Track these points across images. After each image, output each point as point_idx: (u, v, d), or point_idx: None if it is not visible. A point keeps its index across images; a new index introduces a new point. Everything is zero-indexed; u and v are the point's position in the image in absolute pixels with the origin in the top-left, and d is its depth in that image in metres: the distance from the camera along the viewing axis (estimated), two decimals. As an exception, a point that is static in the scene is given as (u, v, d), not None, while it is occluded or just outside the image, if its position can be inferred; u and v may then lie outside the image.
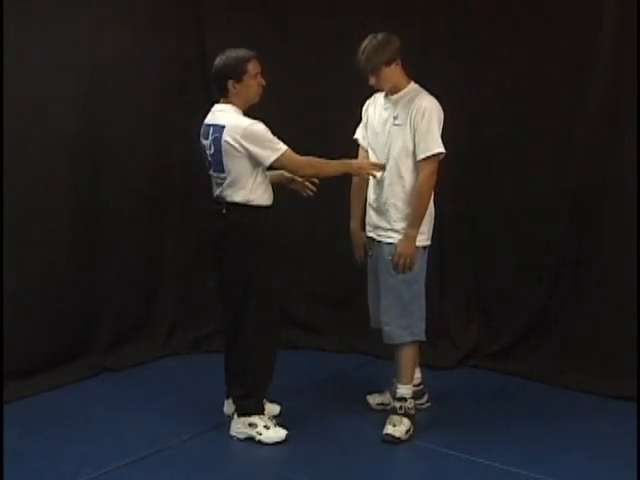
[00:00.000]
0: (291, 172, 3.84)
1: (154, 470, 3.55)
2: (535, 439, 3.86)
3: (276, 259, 3.88)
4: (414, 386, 3.99)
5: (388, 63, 3.71)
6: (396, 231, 3.82)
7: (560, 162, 4.57)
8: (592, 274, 4.52)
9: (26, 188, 4.30)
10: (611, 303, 4.43)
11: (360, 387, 4.40)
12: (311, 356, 5.05)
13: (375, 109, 3.93)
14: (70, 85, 4.49)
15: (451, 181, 4.35)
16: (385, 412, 3.99)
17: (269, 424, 3.81)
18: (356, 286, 4.83)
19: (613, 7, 4.27)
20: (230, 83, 3.67)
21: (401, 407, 3.87)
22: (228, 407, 4.01)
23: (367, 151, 4.00)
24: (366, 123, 4.00)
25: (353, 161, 3.90)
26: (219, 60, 3.71)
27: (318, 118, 4.91)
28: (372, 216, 3.96)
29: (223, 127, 3.63)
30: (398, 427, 3.81)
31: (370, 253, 4.04)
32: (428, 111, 3.71)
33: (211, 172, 3.78)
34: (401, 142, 3.77)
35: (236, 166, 3.65)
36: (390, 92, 3.84)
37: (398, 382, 3.92)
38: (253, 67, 3.70)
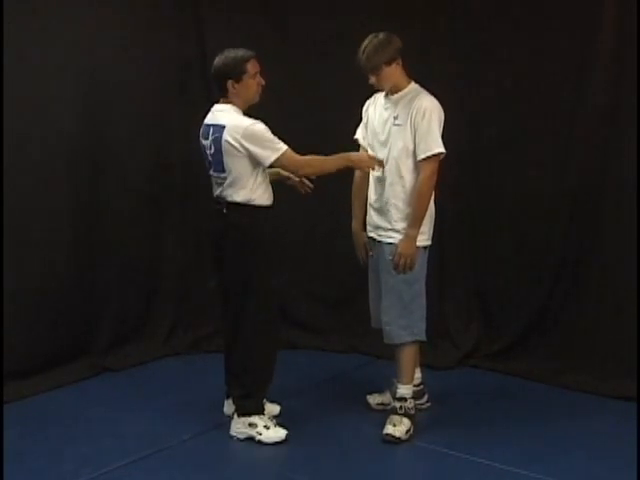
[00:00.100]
0: (291, 172, 3.84)
1: (154, 470, 3.55)
2: (535, 439, 3.86)
3: (276, 259, 3.88)
4: (414, 386, 3.99)
5: (389, 63, 3.71)
6: (397, 231, 3.82)
7: (560, 162, 4.57)
8: (592, 274, 4.52)
9: (26, 188, 4.30)
10: (611, 303, 4.43)
11: (360, 387, 4.40)
12: (311, 356, 5.05)
13: (375, 109, 3.93)
14: (70, 85, 4.50)
15: (451, 181, 4.35)
16: (385, 412, 3.99)
17: (269, 424, 3.82)
18: (356, 286, 4.84)
19: (613, 7, 4.27)
20: (230, 83, 3.67)
21: (401, 407, 3.87)
22: (228, 407, 4.01)
23: (367, 151, 4.01)
24: (366, 123, 4.00)
25: (352, 154, 3.86)
26: (218, 60, 3.71)
27: (318, 118, 4.91)
28: (373, 216, 3.96)
29: (223, 127, 3.63)
30: (398, 427, 3.81)
31: (371, 253, 4.04)
32: (429, 111, 3.71)
33: (211, 172, 3.78)
34: (401, 142, 3.77)
35: (236, 166, 3.65)
36: (390, 92, 3.84)
37: (398, 382, 3.92)
38: (252, 67, 3.70)
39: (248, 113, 3.74)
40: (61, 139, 4.48)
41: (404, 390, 3.89)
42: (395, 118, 3.79)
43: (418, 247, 3.80)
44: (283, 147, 3.63)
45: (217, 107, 3.77)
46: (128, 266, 4.91)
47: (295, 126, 4.46)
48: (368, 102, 4.02)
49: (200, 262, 4.99)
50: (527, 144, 4.66)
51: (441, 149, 3.73)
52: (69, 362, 4.59)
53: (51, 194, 4.47)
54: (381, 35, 3.73)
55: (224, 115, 3.68)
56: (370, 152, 3.98)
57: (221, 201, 3.74)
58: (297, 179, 3.99)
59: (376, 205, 3.92)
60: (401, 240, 3.79)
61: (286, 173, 3.94)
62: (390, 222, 3.84)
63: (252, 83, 3.71)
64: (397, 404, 3.89)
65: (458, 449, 3.72)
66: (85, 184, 4.66)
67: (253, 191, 3.69)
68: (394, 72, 3.76)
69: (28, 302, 4.37)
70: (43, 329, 4.45)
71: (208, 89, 4.53)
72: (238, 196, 3.68)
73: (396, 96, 3.83)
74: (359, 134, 4.05)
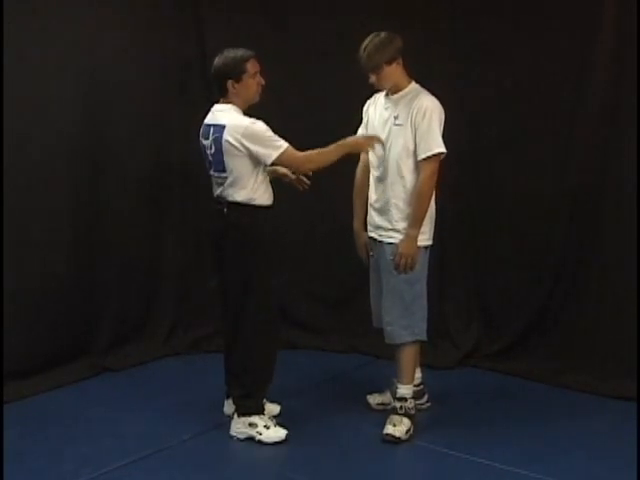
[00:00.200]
0: (293, 169, 3.84)
1: (154, 470, 3.55)
2: (535, 439, 3.85)
3: (276, 259, 3.88)
4: (414, 386, 3.99)
5: (389, 62, 3.71)
6: (397, 231, 3.82)
7: (560, 162, 4.57)
8: (592, 274, 4.52)
9: (26, 188, 4.30)
10: (611, 303, 4.43)
11: (360, 387, 4.40)
12: (311, 356, 5.05)
13: (376, 109, 3.93)
14: (70, 85, 4.50)
15: (451, 181, 4.35)
16: (385, 412, 3.99)
17: (269, 424, 3.82)
18: (356, 286, 4.85)
19: (613, 7, 4.27)
20: (229, 83, 3.67)
21: (401, 407, 3.87)
22: (228, 407, 4.01)
23: (367, 151, 4.01)
24: (366, 123, 4.00)
25: (349, 139, 3.81)
26: (218, 60, 3.71)
27: (318, 118, 4.90)
28: (373, 216, 3.96)
29: (224, 127, 3.64)
30: (398, 427, 3.81)
31: (371, 253, 4.04)
32: (429, 111, 3.71)
33: (211, 172, 3.78)
34: (402, 142, 3.77)
35: (237, 165, 3.65)
36: (391, 92, 3.85)
37: (398, 382, 3.92)
38: (252, 66, 3.70)
39: (248, 113, 3.74)
40: (61, 139, 4.48)
41: (404, 390, 3.89)
42: (395, 118, 3.79)
43: (419, 247, 3.80)
44: (284, 145, 3.63)
45: (217, 107, 3.77)
46: (128, 266, 4.91)
47: (295, 126, 4.45)
48: (368, 102, 4.02)
49: (200, 262, 4.99)
50: (527, 144, 4.66)
51: (441, 149, 3.73)
52: (69, 362, 4.59)
53: (51, 194, 4.47)
54: (382, 34, 3.73)
55: (224, 115, 3.68)
56: (370, 152, 3.98)
57: (221, 201, 3.74)
58: (294, 176, 4.00)
59: (377, 205, 3.92)
60: (402, 240, 3.79)
61: (283, 170, 3.95)
62: (391, 222, 3.84)
63: (252, 83, 3.71)
64: (397, 404, 3.89)
65: (458, 449, 3.72)
66: (85, 184, 4.66)
67: (254, 191, 3.69)
68: (394, 71, 3.76)
69: (28, 302, 4.37)
70: (43, 329, 4.45)
71: (208, 89, 4.52)
72: (239, 196, 3.68)
73: (396, 96, 3.83)
74: (359, 133, 4.05)
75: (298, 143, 3.73)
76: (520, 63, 4.62)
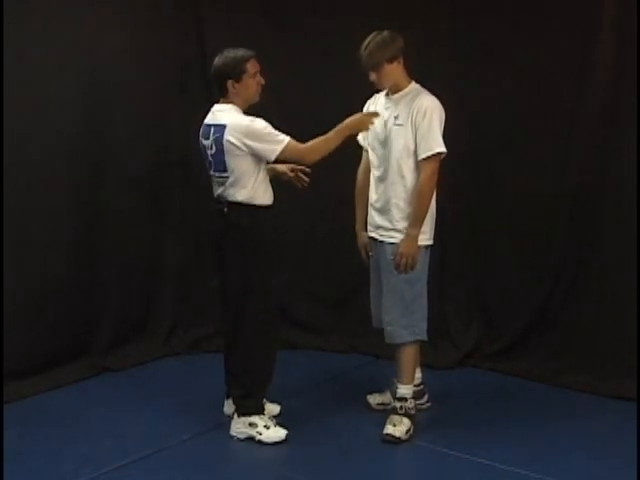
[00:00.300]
0: (298, 162, 3.81)
1: (154, 470, 3.55)
2: (535, 439, 3.86)
3: (276, 259, 3.88)
4: (414, 386, 3.99)
5: (390, 60, 3.72)
6: (398, 231, 3.82)
7: (560, 162, 4.57)
8: (592, 274, 4.52)
9: (26, 188, 4.30)
10: (611, 303, 4.43)
11: (360, 387, 4.40)
12: (311, 356, 5.05)
13: (376, 109, 3.92)
14: (70, 85, 4.50)
15: (451, 181, 4.35)
16: (385, 412, 3.99)
17: (269, 424, 3.82)
18: (356, 286, 4.85)
19: (613, 7, 4.27)
20: (229, 83, 3.67)
21: (401, 407, 3.87)
22: (228, 407, 4.01)
23: (368, 151, 4.02)
24: (366, 123, 4.00)
25: (347, 121, 3.77)
26: (218, 60, 3.72)
27: (318, 118, 4.85)
28: (374, 216, 3.96)
29: (224, 126, 3.64)
30: (398, 427, 3.81)
31: (371, 253, 4.04)
32: (429, 110, 3.72)
33: (212, 172, 3.78)
34: (402, 142, 3.77)
35: (239, 165, 3.65)
36: (391, 91, 3.85)
37: (399, 382, 3.92)
38: (252, 66, 3.70)
39: (248, 113, 3.74)
40: (61, 139, 4.48)
41: (404, 390, 3.89)
42: (396, 118, 3.79)
43: (419, 246, 3.80)
44: (285, 139, 3.63)
45: (217, 107, 3.77)
46: (128, 266, 4.91)
47: (295, 126, 4.43)
48: (369, 102, 4.02)
49: (200, 262, 4.99)
50: (527, 144, 4.66)
51: (442, 148, 3.73)
52: (69, 362, 4.59)
53: (51, 194, 4.47)
54: (384, 33, 3.74)
55: (225, 115, 3.68)
56: (371, 152, 3.99)
57: (222, 200, 3.74)
58: (292, 174, 4.00)
59: (377, 205, 3.92)
60: (402, 240, 3.79)
61: (282, 168, 3.95)
62: (391, 222, 3.84)
63: (252, 83, 3.71)
64: (397, 404, 3.89)
65: (458, 449, 3.72)
66: (85, 184, 4.66)
67: (254, 190, 3.69)
68: (395, 70, 3.76)
69: (28, 302, 4.37)
70: (43, 329, 4.45)
71: (208, 89, 4.52)
72: (240, 195, 3.68)
73: (397, 95, 3.83)
74: (360, 135, 4.05)
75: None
76: (520, 63, 4.62)
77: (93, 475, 3.47)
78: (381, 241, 3.91)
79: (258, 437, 3.78)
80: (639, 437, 3.72)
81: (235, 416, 3.85)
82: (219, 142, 3.65)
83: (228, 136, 3.61)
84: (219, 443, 3.83)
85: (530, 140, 4.65)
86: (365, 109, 4.01)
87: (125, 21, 4.74)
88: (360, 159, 4.13)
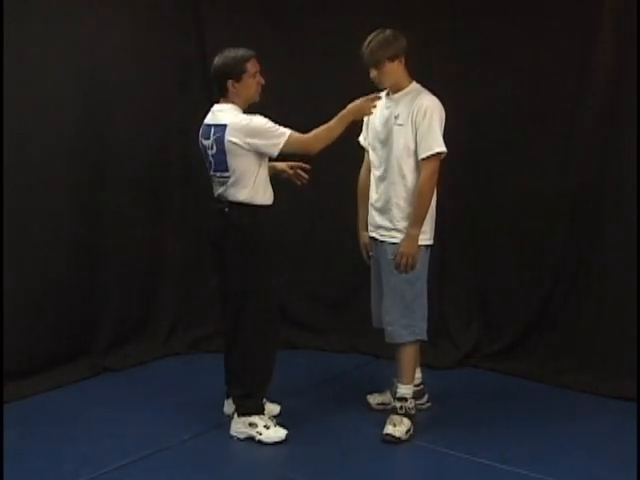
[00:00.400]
0: (302, 153, 3.78)
1: (154, 470, 3.55)
2: (535, 439, 3.85)
3: (276, 259, 3.88)
4: (415, 386, 3.99)
5: (392, 59, 3.72)
6: (399, 231, 3.82)
7: (560, 162, 4.57)
8: (592, 274, 4.52)
9: (26, 188, 4.30)
10: (611, 303, 4.43)
11: (360, 387, 4.40)
12: (311, 356, 5.05)
13: (376, 108, 3.92)
14: (70, 85, 4.50)
15: (451, 181, 4.35)
16: (385, 412, 3.98)
17: (269, 424, 3.81)
18: (356, 286, 4.85)
19: (613, 7, 4.27)
20: (230, 83, 3.67)
21: (401, 407, 3.87)
22: (228, 407, 4.01)
23: (368, 151, 4.02)
24: (367, 123, 4.00)
25: (349, 107, 3.74)
26: (218, 60, 3.72)
27: (318, 118, 4.87)
28: (374, 216, 3.96)
29: (225, 126, 3.64)
30: (398, 427, 3.81)
31: (371, 253, 4.04)
32: (429, 110, 3.72)
33: (212, 172, 3.77)
34: (402, 141, 3.77)
35: (240, 164, 3.65)
36: (392, 91, 3.85)
37: (399, 382, 3.92)
38: (252, 66, 3.70)
39: (248, 112, 3.73)
40: (61, 139, 4.48)
41: (404, 390, 3.89)
42: (396, 117, 3.79)
43: (420, 246, 3.80)
44: (286, 132, 3.63)
45: (217, 107, 3.77)
46: (128, 266, 4.90)
47: (295, 126, 4.45)
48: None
49: (200, 262, 4.99)
50: (527, 144, 4.66)
51: (442, 148, 3.73)
52: (69, 362, 4.59)
53: (51, 194, 4.47)
54: (388, 31, 3.75)
55: (225, 115, 3.68)
56: (371, 152, 4.00)
57: (222, 200, 3.74)
58: (292, 171, 4.00)
59: (377, 205, 3.93)
60: (403, 239, 3.79)
61: (281, 166, 3.96)
62: (392, 221, 3.84)
63: (252, 82, 3.72)
64: (397, 404, 3.89)
65: (458, 449, 3.71)
66: (85, 184, 4.66)
67: (255, 190, 3.69)
68: (396, 69, 3.76)
69: (28, 302, 4.37)
70: (43, 329, 4.45)
71: (208, 89, 4.53)
72: (241, 195, 3.68)
73: (397, 95, 3.83)
74: (361, 136, 4.06)
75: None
76: (520, 63, 4.62)
77: (93, 475, 3.47)
78: (382, 241, 3.91)
79: (258, 437, 3.78)
80: (639, 437, 3.72)
81: (235, 416, 3.85)
82: (220, 142, 3.65)
83: (229, 136, 3.61)
84: (219, 443, 3.83)
85: (530, 140, 4.65)
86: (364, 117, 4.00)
87: (125, 21, 4.74)
88: (361, 160, 4.13)
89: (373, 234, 3.98)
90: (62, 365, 4.54)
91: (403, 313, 3.83)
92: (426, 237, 3.84)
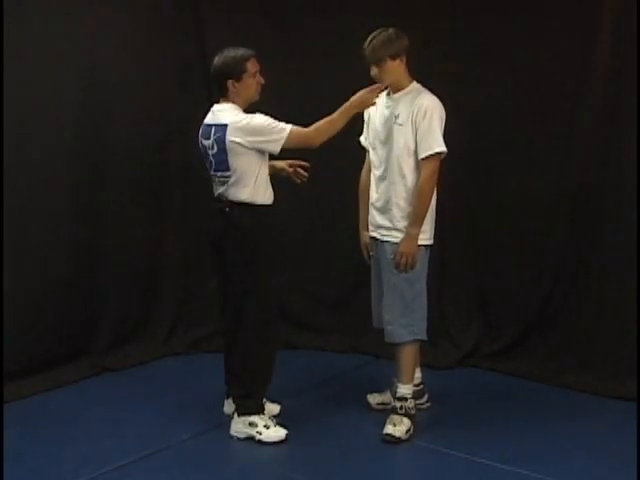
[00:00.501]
0: (305, 147, 3.74)
1: (154, 470, 3.54)
2: (535, 439, 3.85)
3: (276, 259, 3.88)
4: (414, 386, 3.99)
5: (393, 57, 3.73)
6: (399, 230, 3.82)
7: (560, 162, 4.57)
8: (592, 274, 4.52)
9: (26, 188, 4.30)
10: (611, 303, 4.43)
11: (360, 387, 4.40)
12: (311, 356, 5.05)
13: (377, 108, 3.92)
14: (70, 85, 4.50)
15: (451, 181, 4.35)
16: (385, 412, 3.98)
17: (269, 423, 3.81)
18: (356, 286, 4.85)
19: (613, 7, 4.27)
20: (230, 82, 3.68)
21: (401, 407, 3.87)
22: (228, 407, 4.01)
23: (369, 151, 4.02)
24: (368, 122, 4.01)
25: (352, 100, 3.73)
26: (218, 60, 3.72)
27: (318, 118, 4.88)
28: (375, 215, 3.96)
29: (226, 126, 3.64)
30: (398, 427, 3.81)
31: (372, 253, 4.04)
32: (430, 110, 3.72)
33: (213, 172, 3.77)
34: (403, 141, 3.77)
35: (241, 163, 3.65)
36: (392, 90, 3.85)
37: (398, 382, 3.92)
38: (252, 66, 3.71)
39: (248, 111, 3.73)
40: (61, 139, 4.48)
41: (404, 390, 3.89)
42: (396, 117, 3.80)
43: (419, 246, 3.80)
44: (287, 127, 3.63)
45: (217, 107, 3.77)
46: (128, 266, 4.90)
47: (295, 124, 4.47)
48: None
49: (200, 262, 4.99)
50: (527, 144, 4.66)
51: (442, 148, 3.73)
52: (69, 362, 4.59)
53: (51, 194, 4.46)
54: (390, 30, 3.76)
55: (225, 114, 3.68)
56: (371, 151, 4.00)
57: (223, 200, 3.74)
58: (291, 169, 4.01)
59: (378, 204, 3.93)
60: (402, 239, 3.79)
61: (280, 165, 3.96)
62: (392, 221, 3.84)
63: (252, 82, 3.72)
64: (397, 404, 3.89)
65: (458, 449, 3.71)
66: (85, 184, 4.66)
67: (256, 189, 3.69)
68: (397, 68, 3.77)
69: (28, 302, 4.37)
70: (43, 329, 4.45)
71: (208, 89, 4.53)
72: (242, 194, 3.68)
73: (398, 95, 3.83)
74: (362, 137, 4.06)
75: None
76: (520, 63, 4.62)
77: (93, 475, 3.46)
78: (382, 240, 3.91)
79: (258, 437, 3.78)
80: (639, 437, 3.72)
81: (235, 416, 3.85)
82: (221, 142, 3.65)
83: (231, 136, 3.61)
84: (219, 443, 3.83)
85: (530, 140, 4.65)
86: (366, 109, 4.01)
87: (125, 21, 4.73)
88: (361, 159, 4.13)
89: (374, 234, 3.98)
90: (62, 365, 4.54)
91: (403, 313, 3.83)
92: (426, 237, 3.84)
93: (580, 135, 4.50)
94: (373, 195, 3.98)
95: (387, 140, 3.84)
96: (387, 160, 3.85)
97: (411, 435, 3.84)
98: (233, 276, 3.77)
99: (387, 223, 3.87)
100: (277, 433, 3.79)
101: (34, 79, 4.27)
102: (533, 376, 4.62)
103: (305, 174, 4.02)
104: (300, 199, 4.65)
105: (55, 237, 4.51)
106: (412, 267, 3.79)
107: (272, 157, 3.77)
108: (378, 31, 3.77)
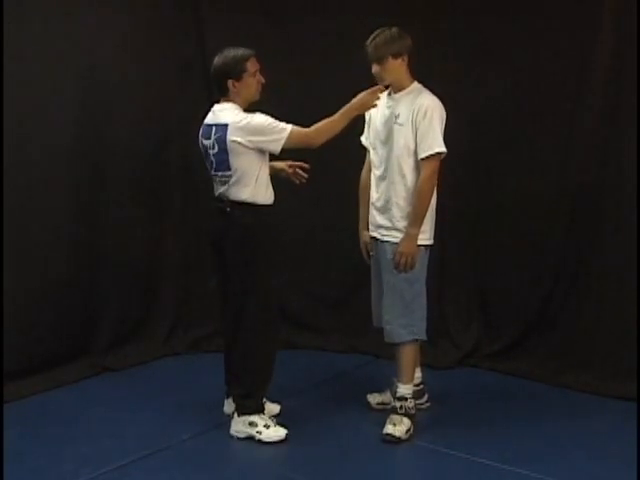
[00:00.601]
0: (305, 147, 3.74)
1: (154, 470, 3.54)
2: (535, 439, 3.85)
3: (276, 259, 3.88)
4: (414, 386, 3.99)
5: (395, 56, 3.74)
6: (399, 230, 3.82)
7: (560, 162, 4.57)
8: (592, 274, 4.52)
9: (26, 188, 4.30)
10: (611, 303, 4.43)
11: (360, 386, 4.40)
12: (311, 356, 5.05)
13: (378, 108, 3.92)
14: (70, 85, 4.50)
15: (451, 181, 4.35)
16: (385, 411, 3.98)
17: (269, 423, 3.81)
18: (356, 286, 4.85)
19: (613, 7, 4.27)
20: (230, 82, 3.68)
21: (401, 407, 3.87)
22: (228, 406, 4.01)
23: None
24: (368, 122, 4.01)
25: (354, 101, 3.73)
26: (218, 60, 3.72)
27: (318, 118, 4.88)
28: (375, 215, 3.96)
29: (226, 126, 3.64)
30: (398, 427, 3.81)
31: (372, 253, 4.04)
32: (430, 110, 3.72)
33: (213, 172, 3.77)
34: (403, 141, 3.77)
35: (242, 163, 3.65)
36: (393, 90, 3.85)
37: (398, 381, 3.92)
38: (252, 65, 3.71)
39: (248, 111, 3.73)
40: (61, 139, 4.48)
41: (404, 390, 3.89)
42: (397, 117, 3.80)
43: (419, 246, 3.80)
44: (287, 127, 3.63)
45: (217, 107, 3.77)
46: (128, 266, 4.90)
47: (295, 124, 4.47)
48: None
49: (200, 262, 4.99)
50: (527, 144, 4.66)
51: (442, 148, 3.73)
52: (69, 362, 4.59)
53: (51, 194, 4.46)
54: (394, 29, 3.77)
55: (226, 114, 3.69)
56: (372, 151, 4.00)
57: (224, 199, 3.74)
58: (291, 170, 4.01)
59: (378, 204, 3.93)
60: (402, 239, 3.79)
61: (280, 165, 3.96)
62: (392, 221, 3.84)
63: (252, 81, 3.72)
64: (397, 403, 3.89)
65: (458, 449, 3.71)
66: (85, 184, 4.66)
67: (257, 189, 3.69)
68: (399, 67, 3.77)
69: (28, 302, 4.37)
70: (43, 329, 4.45)
71: (208, 89, 4.53)
72: (243, 194, 3.68)
73: (398, 95, 3.83)
74: (362, 136, 4.06)
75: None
76: (520, 63, 4.62)
77: (93, 475, 3.46)
78: (382, 240, 3.91)
79: (258, 436, 3.78)
80: (639, 437, 3.72)
81: (235, 415, 3.85)
82: (222, 141, 3.65)
83: (231, 135, 3.61)
84: (219, 443, 3.83)
85: (530, 140, 4.65)
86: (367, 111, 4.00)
87: (125, 21, 4.74)
88: (361, 159, 4.13)
89: (374, 233, 3.99)
90: (62, 365, 4.54)
91: (402, 313, 3.83)
92: (426, 237, 3.84)
93: (580, 135, 4.50)
94: (373, 195, 3.98)
95: (387, 140, 3.84)
96: (387, 160, 3.85)
97: (411, 435, 3.84)
98: (233, 276, 3.77)
99: (387, 223, 3.87)
100: (277, 433, 3.79)
101: (34, 79, 4.28)
102: (533, 376, 4.62)
103: (304, 175, 4.02)
104: (300, 199, 4.65)
105: (55, 237, 4.52)
106: (411, 267, 3.79)
107: (272, 157, 3.77)
108: (381, 29, 3.77)
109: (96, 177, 4.72)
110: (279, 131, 3.61)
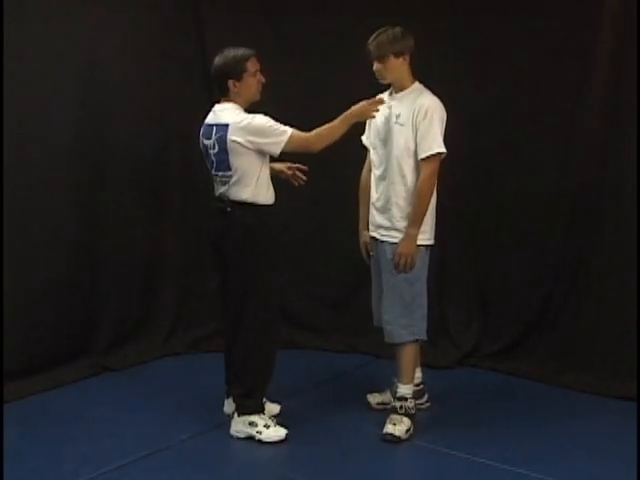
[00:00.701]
0: (304, 152, 3.76)
1: (154, 470, 3.54)
2: (535, 439, 3.85)
3: (276, 259, 3.88)
4: (415, 386, 3.99)
5: (397, 55, 3.74)
6: (398, 230, 3.82)
7: (560, 162, 4.57)
8: (592, 274, 4.52)
9: (26, 188, 4.30)
10: (611, 303, 4.43)
11: (360, 386, 4.40)
12: (311, 356, 5.05)
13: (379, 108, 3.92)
14: (70, 85, 4.49)
15: (451, 181, 4.35)
16: (385, 411, 3.98)
17: (269, 423, 3.81)
18: (356, 286, 4.85)
19: (613, 7, 4.27)
20: (230, 82, 3.68)
21: (401, 406, 3.87)
22: (228, 406, 4.01)
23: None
24: (370, 121, 4.00)
25: (353, 109, 3.74)
26: (218, 60, 3.72)
27: (319, 118, 4.88)
28: (375, 215, 3.96)
29: (227, 126, 3.64)
30: (398, 426, 3.81)
31: (372, 253, 4.04)
32: (430, 110, 3.72)
33: (214, 172, 3.77)
34: (403, 141, 3.77)
35: (242, 163, 3.65)
36: (394, 90, 3.86)
37: (399, 381, 3.92)
38: (252, 65, 3.71)
39: (249, 111, 3.73)
40: (61, 139, 4.48)
41: (404, 389, 3.89)
42: (397, 117, 3.80)
43: (419, 246, 3.80)
44: (288, 130, 3.63)
45: (218, 107, 3.77)
46: (128, 266, 4.90)
47: (295, 126, 4.45)
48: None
49: (200, 262, 4.99)
50: (527, 144, 4.66)
51: (442, 149, 3.73)
52: (69, 362, 4.58)
53: (51, 194, 4.46)
54: (397, 28, 3.78)
55: (226, 114, 3.69)
56: (372, 151, 4.00)
57: (224, 199, 3.74)
58: (290, 172, 4.01)
59: (378, 204, 3.93)
60: (401, 239, 3.79)
61: (279, 167, 3.96)
62: (392, 221, 3.84)
63: (253, 81, 3.72)
64: (397, 403, 3.89)
65: (458, 449, 3.71)
66: (85, 184, 4.66)
67: (257, 189, 3.69)
68: (400, 66, 3.77)
69: (28, 302, 4.36)
70: (43, 329, 4.44)
71: (208, 89, 4.53)
72: (243, 194, 3.68)
73: (399, 94, 3.84)
74: (363, 136, 4.07)
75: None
76: (520, 63, 4.62)
77: (93, 475, 3.46)
78: (381, 240, 3.91)
79: (258, 436, 3.78)
80: (639, 437, 3.72)
81: (235, 415, 3.85)
82: (222, 141, 3.65)
83: (232, 135, 3.62)
84: (219, 443, 3.83)
85: (530, 140, 4.65)
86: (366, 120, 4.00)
87: (125, 21, 4.73)
88: (361, 160, 4.13)
89: (373, 233, 3.99)
90: (62, 365, 4.54)
91: (402, 313, 3.83)
92: (426, 237, 3.84)
93: (580, 135, 4.50)
94: (373, 195, 3.98)
95: (387, 140, 3.84)
96: (387, 160, 3.85)
97: (411, 435, 3.84)
98: (233, 276, 3.77)
99: (387, 223, 3.87)
100: (277, 433, 3.79)
101: (34, 79, 4.27)
102: (533, 376, 4.62)
103: (303, 177, 4.02)
104: (300, 199, 4.65)
105: (55, 237, 4.51)
106: (411, 267, 3.79)
107: (271, 159, 3.77)
108: (384, 28, 3.79)
109: (96, 177, 4.72)
110: (279, 134, 3.62)
